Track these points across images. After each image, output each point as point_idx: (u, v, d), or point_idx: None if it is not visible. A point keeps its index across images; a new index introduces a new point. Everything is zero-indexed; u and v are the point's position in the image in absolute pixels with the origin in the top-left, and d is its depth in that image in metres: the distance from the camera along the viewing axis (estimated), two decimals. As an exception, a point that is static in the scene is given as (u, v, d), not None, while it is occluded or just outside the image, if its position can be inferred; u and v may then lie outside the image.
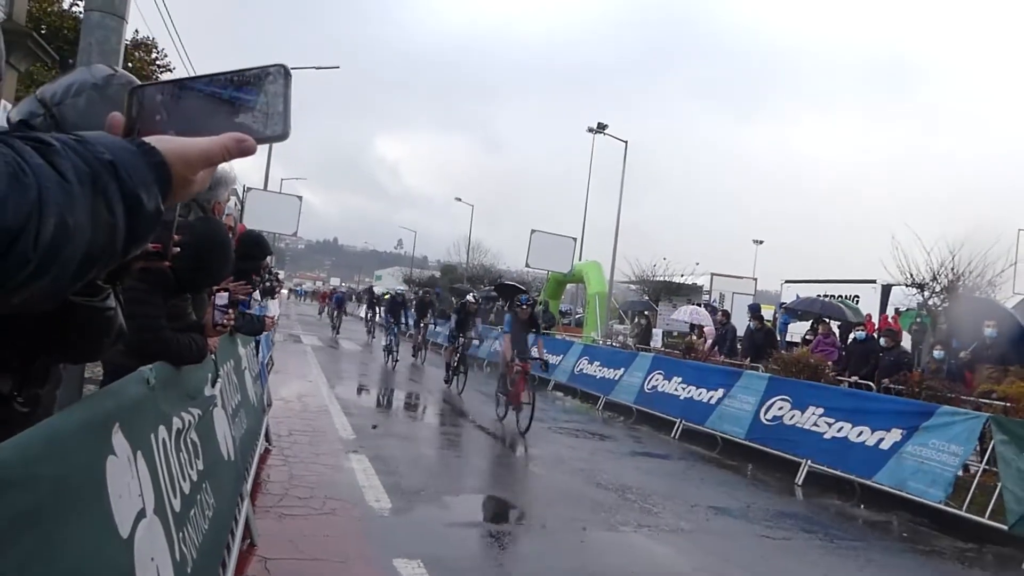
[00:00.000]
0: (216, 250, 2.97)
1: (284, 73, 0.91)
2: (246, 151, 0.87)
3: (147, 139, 0.80)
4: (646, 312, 23.28)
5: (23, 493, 1.31)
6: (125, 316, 1.78)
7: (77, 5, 14.61)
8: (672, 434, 11.69)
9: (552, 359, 17.96)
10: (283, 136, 0.90)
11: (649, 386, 13.40)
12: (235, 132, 0.87)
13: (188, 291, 3.18)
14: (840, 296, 23.70)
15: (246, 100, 0.89)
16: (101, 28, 4.35)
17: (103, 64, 1.84)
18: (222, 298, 3.24)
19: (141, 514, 2.05)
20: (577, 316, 35.80)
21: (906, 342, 16.78)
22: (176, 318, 3.13)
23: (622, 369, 14.64)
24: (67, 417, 1.70)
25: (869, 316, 19.82)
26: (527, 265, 24.45)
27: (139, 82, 1.89)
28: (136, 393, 2.31)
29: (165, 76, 18.70)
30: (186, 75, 0.94)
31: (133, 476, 2.05)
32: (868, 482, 8.44)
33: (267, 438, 7.23)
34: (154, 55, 17.67)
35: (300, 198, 16.73)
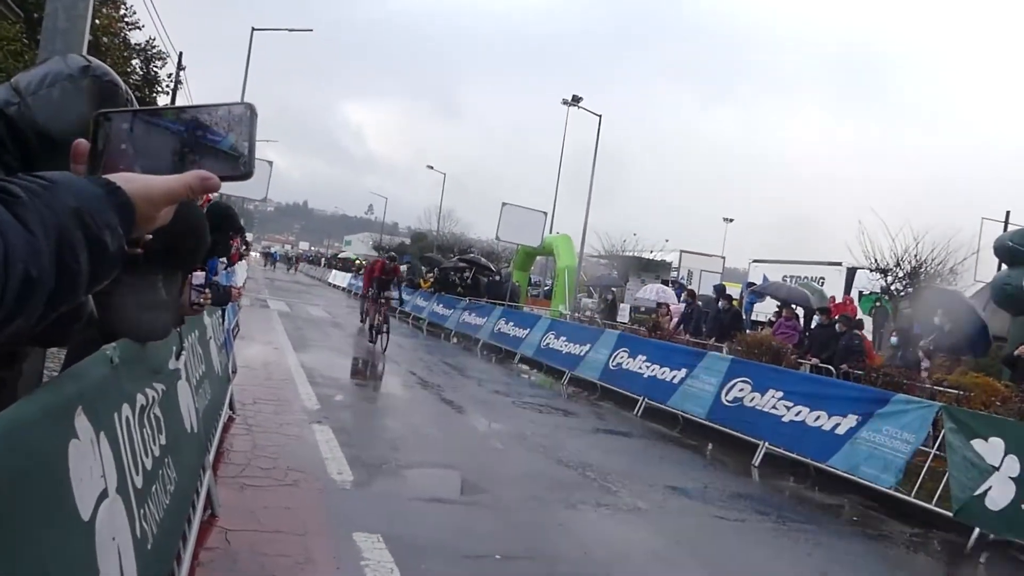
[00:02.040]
0: (191, 234, 2.95)
1: (251, 113, 0.92)
2: (209, 189, 0.89)
3: (112, 177, 0.81)
4: (613, 288, 23.41)
5: (-17, 489, 1.33)
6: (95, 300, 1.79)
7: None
8: (635, 412, 11.85)
9: (519, 332, 18.09)
10: (247, 176, 0.92)
11: (614, 363, 13.54)
12: (200, 171, 0.88)
13: (162, 273, 3.16)
14: (806, 277, 24.06)
15: (213, 140, 0.90)
16: (68, -9, 4.25)
17: (76, 54, 1.82)
18: (198, 277, 3.23)
19: (103, 495, 2.06)
20: (546, 288, 35.97)
21: (868, 325, 17.14)
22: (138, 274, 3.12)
23: (588, 345, 14.76)
24: (28, 406, 1.71)
25: (832, 299, 20.14)
26: (497, 238, 24.47)
27: (115, 77, 1.88)
28: (99, 374, 2.31)
29: (134, 35, 18.31)
30: (150, 106, 0.95)
31: (96, 458, 2.06)
32: (823, 466, 8.65)
33: (231, 407, 7.22)
34: (122, 11, 17.26)
35: (271, 163, 16.51)
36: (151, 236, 1.77)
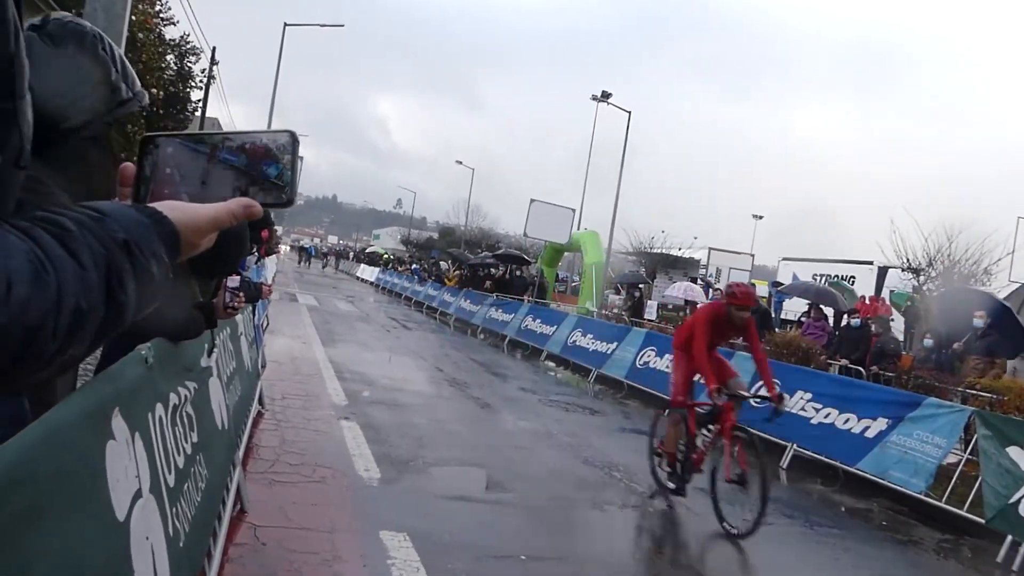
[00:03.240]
0: (232, 242, 2.99)
1: (292, 140, 0.94)
2: (252, 216, 0.90)
3: (159, 206, 0.83)
4: (640, 285, 23.30)
5: (24, 493, 1.36)
6: None
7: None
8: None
9: (546, 329, 18.08)
10: (289, 203, 0.94)
11: (641, 362, 13.50)
12: (244, 199, 0.90)
13: (201, 277, 3.20)
14: (837, 276, 23.78)
15: (258, 170, 0.92)
16: (106, -7, 4.32)
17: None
18: (233, 281, 3.27)
19: (137, 494, 2.10)
20: (573, 284, 35.89)
21: (899, 324, 16.92)
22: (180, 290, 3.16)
23: (615, 343, 14.72)
24: (67, 408, 1.74)
25: (863, 298, 19.91)
26: (525, 234, 24.46)
27: (78, 20, 1.90)
28: (135, 375, 2.35)
29: (168, 31, 18.50)
30: (197, 131, 0.96)
31: (131, 458, 2.10)
32: (852, 469, 8.56)
33: (261, 402, 7.30)
34: (158, 7, 17.47)
35: (301, 158, 16.63)
36: None
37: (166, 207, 0.84)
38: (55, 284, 0.65)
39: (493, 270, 27.20)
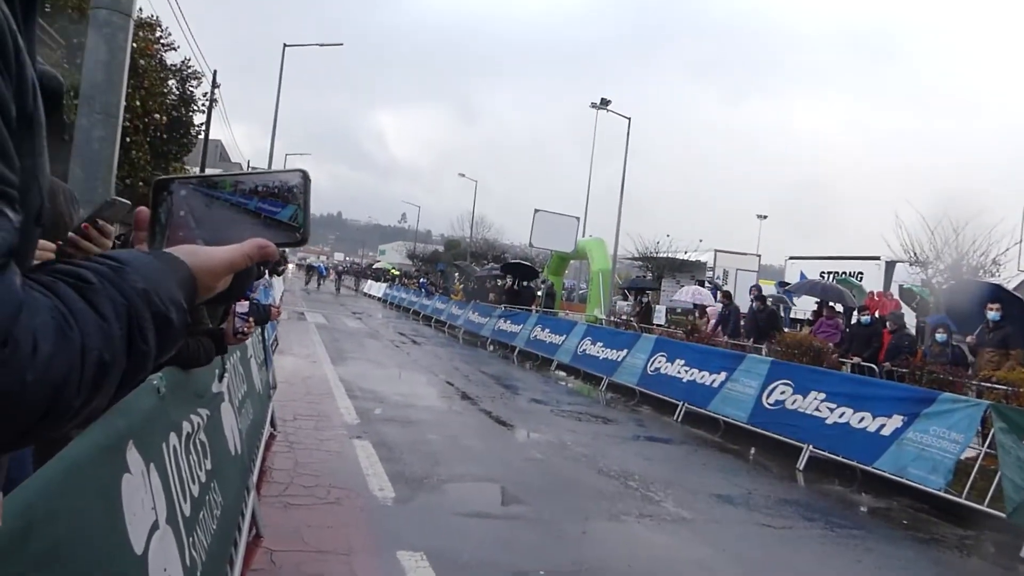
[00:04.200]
0: (241, 271, 2.99)
1: (304, 180, 0.94)
2: (268, 257, 0.90)
3: (176, 251, 0.84)
4: (648, 291, 23.25)
5: (44, 533, 1.35)
6: None
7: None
8: (675, 417, 11.76)
9: (555, 339, 18.06)
10: (303, 241, 0.93)
11: (652, 368, 13.46)
12: (258, 239, 0.89)
13: (209, 304, 3.21)
14: (844, 273, 23.70)
15: (272, 212, 0.92)
16: (108, 25, 4.35)
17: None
18: (243, 306, 3.27)
19: (154, 526, 2.10)
20: (581, 291, 35.87)
21: (910, 317, 16.84)
22: (192, 324, 3.17)
23: (625, 350, 14.69)
24: (81, 444, 1.73)
25: (871, 294, 19.84)
26: (531, 245, 24.47)
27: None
28: (147, 405, 2.35)
29: (169, 56, 18.61)
30: (209, 173, 0.96)
31: (147, 490, 2.10)
32: (869, 468, 8.50)
33: (272, 423, 7.30)
34: (158, 34, 17.58)
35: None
36: None
37: (182, 252, 0.84)
38: (79, 339, 0.66)
39: (500, 281, 27.18)
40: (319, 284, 53.98)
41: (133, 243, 0.96)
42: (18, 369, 0.60)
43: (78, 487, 1.59)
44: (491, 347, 21.37)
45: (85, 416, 0.69)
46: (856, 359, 12.17)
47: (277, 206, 0.92)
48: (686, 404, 11.88)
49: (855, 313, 14.61)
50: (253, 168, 23.73)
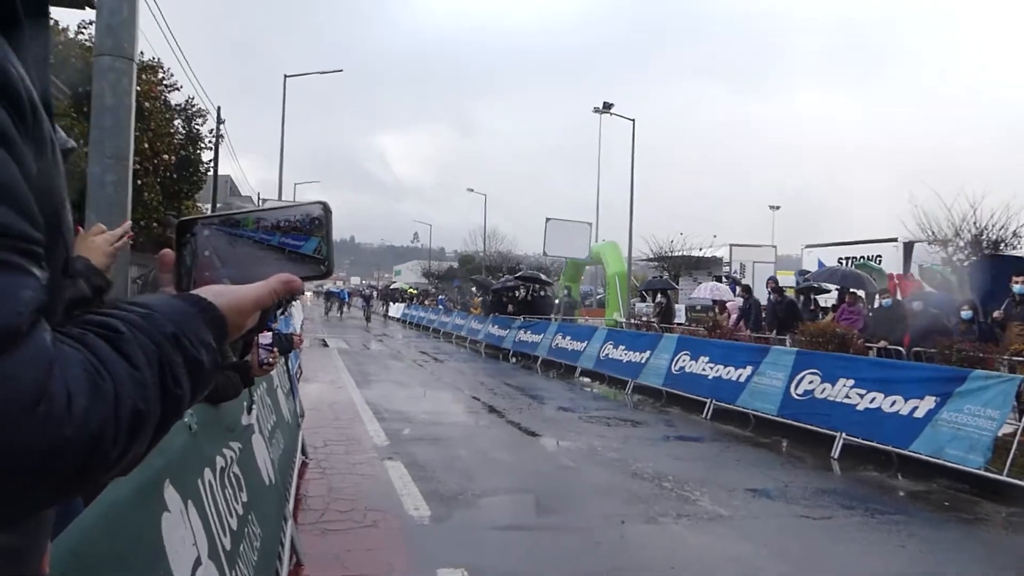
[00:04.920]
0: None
1: (325, 212, 0.94)
2: (294, 291, 0.91)
3: (203, 292, 0.84)
4: (667, 291, 23.17)
5: (90, 577, 1.36)
6: None
7: (83, 32, 14.64)
8: (704, 414, 11.69)
9: (577, 346, 18.02)
10: (328, 273, 0.94)
11: (677, 367, 13.40)
12: (283, 274, 0.90)
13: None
14: (862, 257, 23.50)
15: (295, 246, 0.92)
16: (112, 71, 4.41)
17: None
18: (266, 337, 3.29)
19: (197, 562, 2.10)
20: (598, 296, 35.81)
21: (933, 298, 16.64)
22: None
23: (648, 352, 14.63)
24: (119, 486, 1.74)
25: (891, 276, 19.66)
26: (545, 254, 24.46)
27: None
28: (180, 443, 2.36)
29: (173, 96, 18.79)
30: (231, 211, 0.97)
31: (187, 527, 2.10)
32: (905, 452, 8.40)
33: (303, 451, 7.31)
34: (160, 75, 17.74)
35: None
36: None
37: (209, 293, 0.84)
38: (112, 390, 0.66)
39: (516, 293, 27.18)
40: (341, 312, 48.63)
41: (160, 285, 0.97)
42: (55, 424, 0.60)
43: (120, 530, 1.60)
44: (513, 359, 21.36)
45: (125, 464, 0.69)
46: (882, 343, 12.05)
47: (300, 240, 0.93)
48: (714, 401, 11.81)
49: (876, 297, 14.49)
50: (264, 200, 23.89)
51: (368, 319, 42.01)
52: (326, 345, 23.15)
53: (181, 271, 0.93)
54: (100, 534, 1.48)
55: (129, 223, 3.12)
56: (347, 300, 52.33)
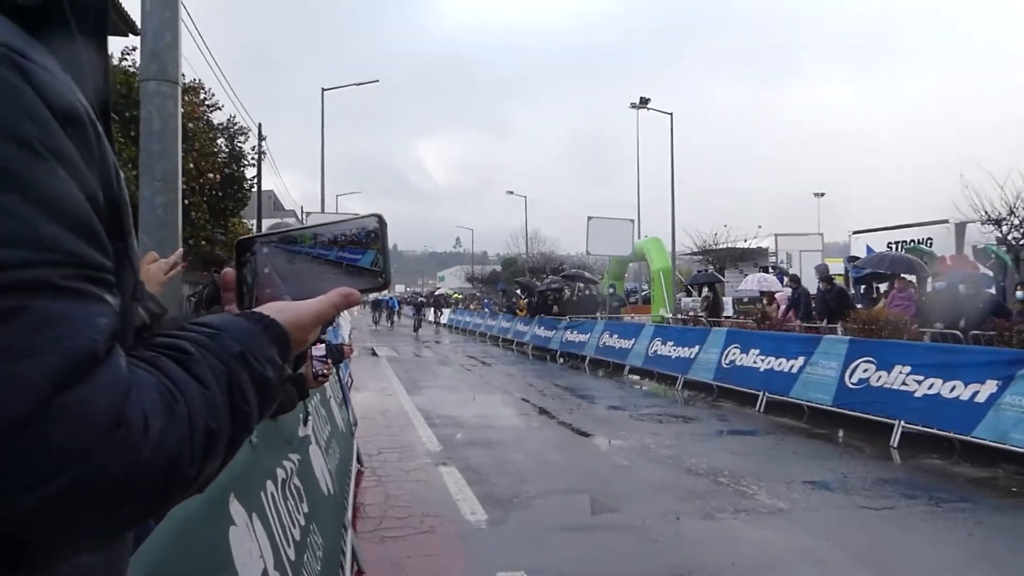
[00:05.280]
0: None
1: (380, 223, 0.95)
2: (353, 304, 0.92)
3: (265, 309, 0.85)
4: (714, 284, 22.93)
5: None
6: None
7: (126, 59, 15.02)
8: (757, 407, 11.56)
9: (624, 344, 17.94)
10: (386, 285, 0.95)
11: (727, 361, 13.27)
12: (342, 287, 0.91)
13: None
14: (912, 241, 22.98)
15: (353, 260, 0.94)
16: (158, 95, 4.52)
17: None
18: (319, 349, 3.33)
19: (264, 574, 2.14)
20: (643, 293, 35.57)
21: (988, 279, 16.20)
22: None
23: (697, 346, 14.51)
24: (189, 503, 1.78)
25: (943, 258, 19.17)
26: (588, 253, 24.40)
27: None
28: (242, 457, 2.40)
29: (215, 116, 19.19)
30: (288, 228, 0.99)
31: (252, 539, 2.14)
32: (967, 438, 8.21)
33: (358, 460, 7.40)
34: (202, 96, 18.15)
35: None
36: None
37: (272, 310, 0.86)
38: (186, 411, 0.68)
39: (561, 293, 27.13)
40: (392, 322, 45.94)
41: (213, 301, 0.99)
42: (134, 449, 0.62)
43: (191, 546, 1.64)
44: (560, 359, 21.33)
45: (200, 483, 0.72)
46: (939, 326, 11.75)
47: (357, 253, 0.94)
48: (766, 393, 11.67)
49: (928, 281, 14.17)
50: (308, 214, 24.19)
51: (417, 327, 40.05)
52: (375, 354, 23.36)
53: (243, 290, 0.95)
54: (174, 551, 1.52)
55: (181, 251, 3.19)
56: (397, 308, 49.12)
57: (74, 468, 0.59)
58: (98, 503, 0.62)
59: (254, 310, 0.87)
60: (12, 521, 0.58)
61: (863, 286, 16.76)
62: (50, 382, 0.58)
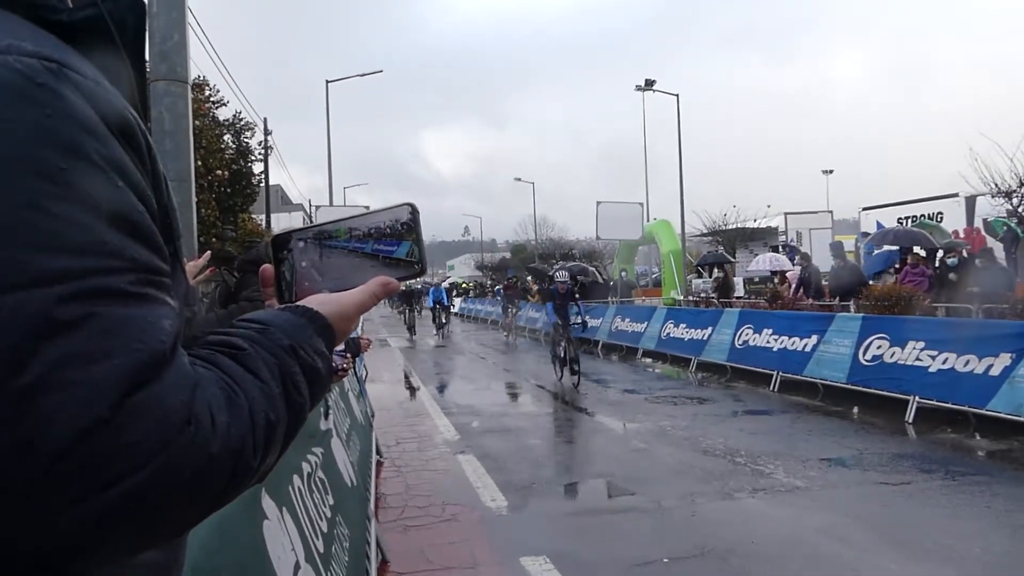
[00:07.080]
0: None
1: (413, 212, 0.98)
2: (391, 292, 0.96)
3: (308, 302, 0.89)
4: (724, 265, 22.90)
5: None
6: None
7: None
8: (771, 387, 11.58)
9: (636, 327, 17.95)
10: (423, 272, 0.98)
11: (740, 341, 13.28)
12: (380, 277, 0.95)
13: None
14: (922, 216, 22.86)
15: (389, 251, 0.97)
16: (168, 95, 4.56)
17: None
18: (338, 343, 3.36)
19: (296, 567, 2.20)
20: (654, 276, 35.50)
21: (999, 252, 16.14)
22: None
23: (710, 328, 14.53)
24: (225, 499, 1.82)
25: (956, 233, 19.10)
26: (597, 237, 24.38)
27: None
28: (270, 453, 2.45)
29: (221, 112, 19.21)
30: (323, 223, 1.01)
31: (284, 532, 2.20)
32: (983, 411, 8.22)
33: (378, 451, 7.47)
34: (207, 92, 18.17)
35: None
36: None
37: (315, 302, 0.89)
38: (246, 404, 0.71)
39: (579, 278, 27.09)
40: (418, 313, 33.25)
41: (263, 300, 1.03)
42: (204, 444, 0.65)
43: (231, 541, 1.69)
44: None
45: (261, 473, 0.75)
46: (951, 302, 11.75)
47: (393, 245, 0.97)
48: (780, 373, 11.69)
49: (938, 255, 14.13)
50: (316, 208, 24.17)
51: (439, 324, 31.57)
52: (387, 344, 23.45)
53: (282, 285, 0.97)
54: (216, 547, 1.57)
55: (209, 254, 3.23)
56: (446, 303, 38.25)
57: (151, 465, 0.61)
58: (173, 498, 0.64)
59: (297, 304, 0.89)
60: (91, 519, 0.60)
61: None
62: (123, 383, 0.60)
